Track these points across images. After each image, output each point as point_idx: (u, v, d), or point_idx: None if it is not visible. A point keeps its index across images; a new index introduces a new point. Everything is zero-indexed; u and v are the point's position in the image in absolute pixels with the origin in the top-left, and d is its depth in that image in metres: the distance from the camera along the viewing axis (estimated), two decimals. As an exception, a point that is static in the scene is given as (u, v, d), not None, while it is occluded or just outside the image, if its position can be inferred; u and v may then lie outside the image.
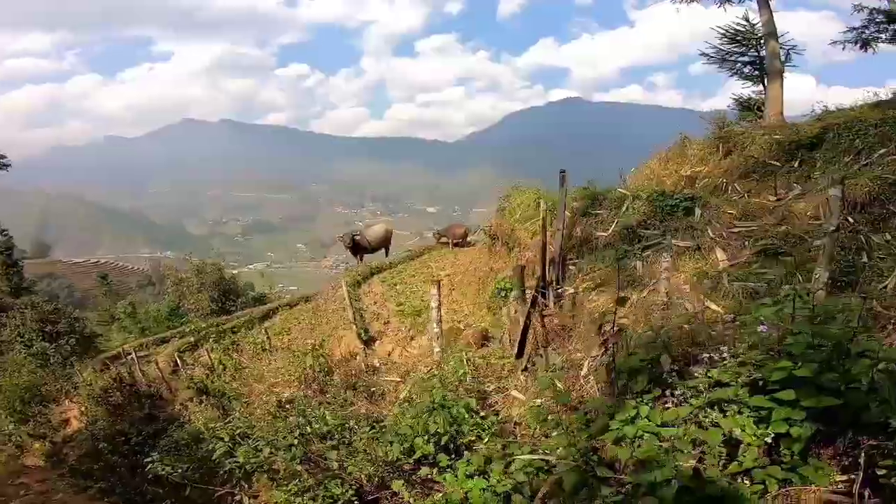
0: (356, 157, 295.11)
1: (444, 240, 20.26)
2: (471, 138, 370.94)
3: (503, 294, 9.76)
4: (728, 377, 3.00)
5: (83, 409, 12.23)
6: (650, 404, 3.11)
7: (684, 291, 5.67)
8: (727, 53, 20.81)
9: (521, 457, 3.08)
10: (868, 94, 13.06)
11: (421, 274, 15.31)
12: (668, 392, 3.21)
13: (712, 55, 21.16)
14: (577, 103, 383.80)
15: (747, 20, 19.79)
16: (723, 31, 20.42)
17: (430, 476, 3.72)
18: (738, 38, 20.28)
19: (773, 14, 18.10)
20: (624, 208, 8.27)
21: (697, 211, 7.67)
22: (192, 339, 15.67)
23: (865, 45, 19.28)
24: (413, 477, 3.89)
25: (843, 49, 20.08)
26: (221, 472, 4.99)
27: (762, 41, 19.57)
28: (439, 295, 5.95)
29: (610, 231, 7.92)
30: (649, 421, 2.97)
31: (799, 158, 9.41)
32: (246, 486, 4.46)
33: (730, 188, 9.33)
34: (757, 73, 20.66)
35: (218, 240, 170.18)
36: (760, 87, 20.73)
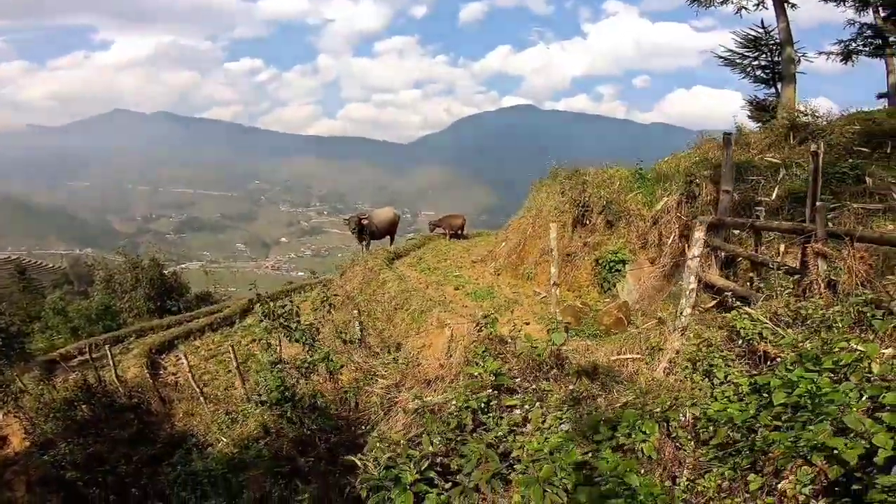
0: (304, 156, 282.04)
1: (439, 230, 19.15)
2: (423, 140, 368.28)
3: (613, 268, 8.47)
4: None
5: (28, 424, 9.42)
6: None
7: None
8: (741, 56, 20.97)
9: None
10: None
11: (448, 259, 13.62)
12: None
13: (726, 57, 21.22)
14: (528, 110, 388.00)
15: (763, 26, 19.93)
16: (741, 37, 20.54)
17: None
18: (754, 43, 20.43)
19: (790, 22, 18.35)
20: (780, 176, 8.00)
21: (868, 179, 7.52)
22: (173, 333, 12.83)
23: (848, 57, 20.00)
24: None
25: (828, 60, 20.88)
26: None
27: (776, 46, 19.88)
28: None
29: (773, 196, 7.56)
30: None
31: (889, 145, 9.49)
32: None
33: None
34: (768, 76, 20.94)
35: (147, 237, 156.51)
36: (773, 90, 20.99)
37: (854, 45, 19.38)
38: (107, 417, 8.47)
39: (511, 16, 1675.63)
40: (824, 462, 2.18)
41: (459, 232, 18.39)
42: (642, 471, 2.59)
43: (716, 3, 19.20)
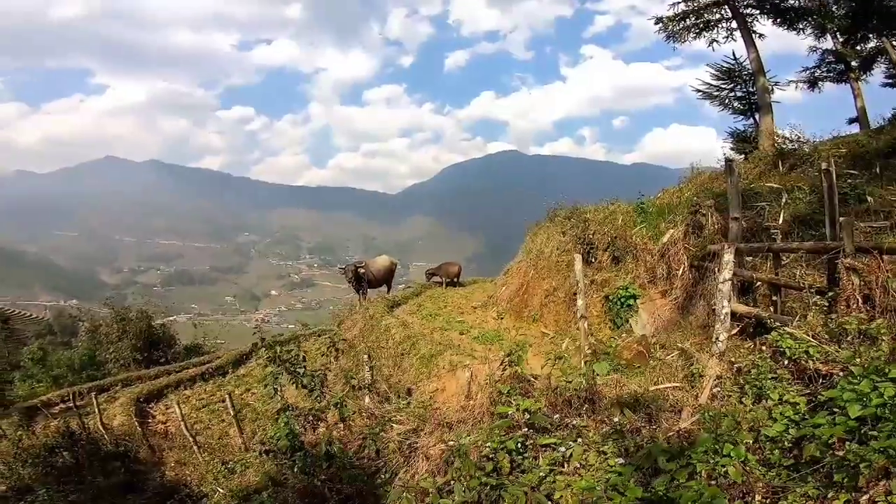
0: (293, 207, 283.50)
1: (435, 279, 19.21)
2: (411, 189, 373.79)
3: (626, 304, 8.31)
4: None
5: (4, 469, 8.86)
6: None
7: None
8: (718, 89, 21.74)
9: None
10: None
11: (448, 305, 13.46)
12: None
13: (704, 90, 22.03)
14: (514, 156, 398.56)
15: (735, 58, 20.79)
16: (716, 69, 21.38)
17: None
18: (728, 74, 21.22)
19: (759, 52, 19.14)
20: (783, 201, 8.12)
21: (870, 199, 7.73)
22: (162, 383, 12.25)
23: (814, 84, 20.73)
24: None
25: (796, 88, 21.57)
26: None
27: (749, 77, 20.59)
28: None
29: (780, 220, 7.58)
30: None
31: (878, 166, 9.84)
32: None
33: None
34: (745, 107, 21.58)
35: (134, 289, 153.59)
36: (751, 121, 21.60)
37: (819, 71, 20.09)
38: (90, 465, 7.96)
39: (493, 62, 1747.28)
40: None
41: (455, 279, 18.50)
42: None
43: (689, 39, 19.97)
